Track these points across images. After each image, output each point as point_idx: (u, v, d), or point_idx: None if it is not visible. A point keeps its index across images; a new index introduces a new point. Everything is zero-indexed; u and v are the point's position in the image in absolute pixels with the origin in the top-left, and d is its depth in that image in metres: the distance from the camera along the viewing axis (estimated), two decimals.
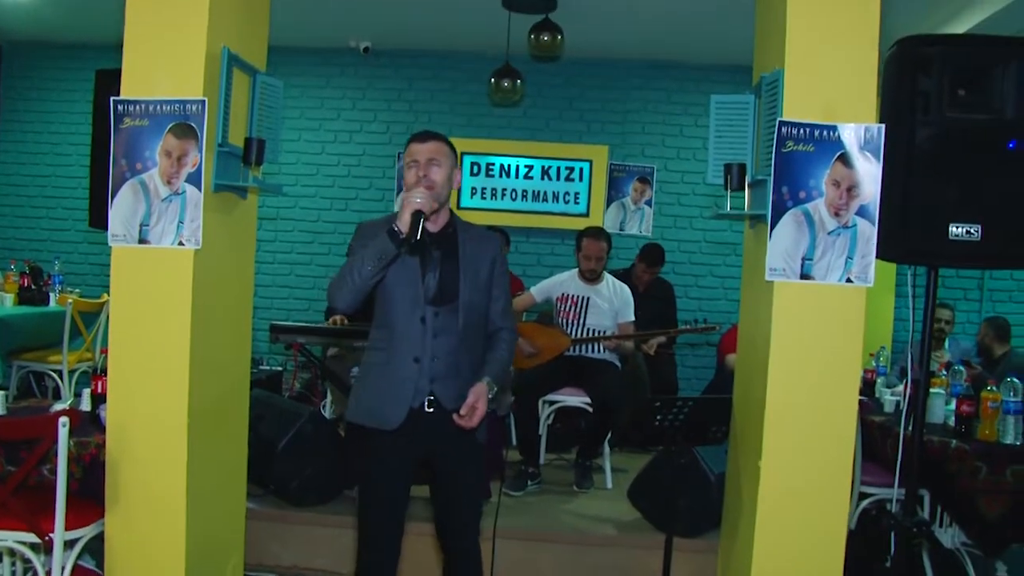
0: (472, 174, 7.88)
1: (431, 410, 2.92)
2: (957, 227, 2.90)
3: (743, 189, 3.33)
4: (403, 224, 2.74)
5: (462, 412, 2.87)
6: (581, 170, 7.82)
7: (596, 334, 5.41)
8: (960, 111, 2.88)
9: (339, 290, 2.87)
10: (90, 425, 3.54)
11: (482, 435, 3.06)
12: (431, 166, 2.88)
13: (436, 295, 2.92)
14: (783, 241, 3.03)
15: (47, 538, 3.11)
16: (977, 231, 2.89)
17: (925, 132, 2.92)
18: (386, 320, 2.96)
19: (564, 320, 5.45)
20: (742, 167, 3.30)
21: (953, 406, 4.31)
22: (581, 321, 5.43)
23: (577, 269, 5.57)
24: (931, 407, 4.21)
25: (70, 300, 5.91)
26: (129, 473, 3.28)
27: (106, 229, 3.30)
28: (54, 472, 3.13)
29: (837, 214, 3.00)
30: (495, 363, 3.03)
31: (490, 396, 2.92)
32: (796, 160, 3.00)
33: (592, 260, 5.45)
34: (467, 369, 2.96)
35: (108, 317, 6.06)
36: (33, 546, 3.20)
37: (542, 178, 7.85)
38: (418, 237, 2.74)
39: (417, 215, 2.74)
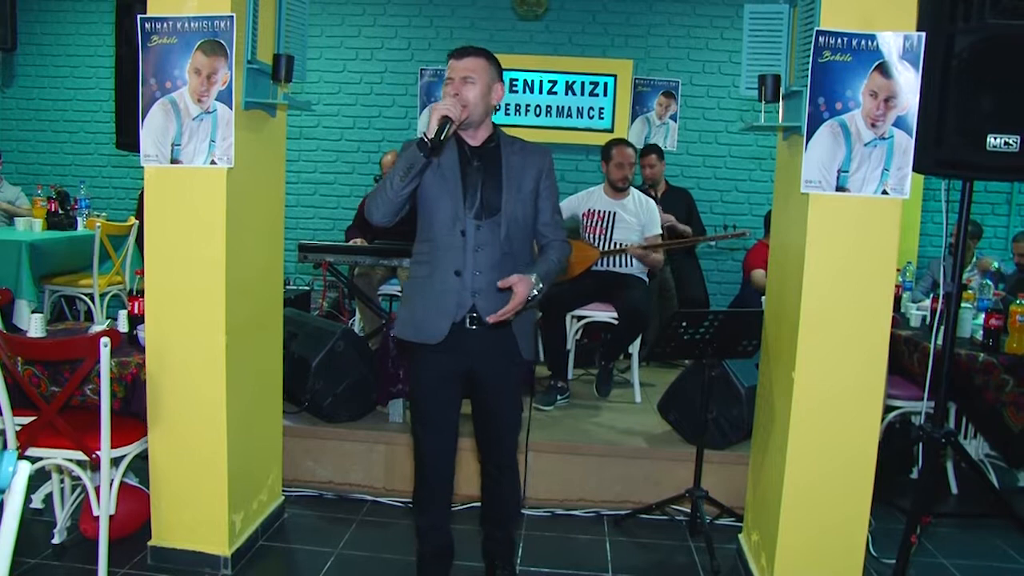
0: None
1: (474, 327, 2.92)
2: (995, 138, 2.85)
3: (777, 101, 3.29)
4: (430, 131, 2.74)
5: (500, 285, 2.82)
6: (605, 85, 7.72)
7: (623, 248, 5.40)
8: (1004, 16, 2.80)
9: (374, 203, 2.88)
10: (129, 345, 3.60)
11: (528, 352, 3.05)
12: (465, 84, 2.86)
13: (477, 208, 2.89)
14: (819, 153, 2.99)
15: (94, 456, 3.20)
16: (1016, 142, 2.85)
17: (965, 40, 2.85)
18: (428, 234, 2.94)
19: (591, 235, 5.44)
20: (776, 78, 3.26)
21: (981, 320, 4.32)
22: (607, 236, 5.41)
23: (603, 184, 5.55)
24: (959, 321, 4.21)
25: (98, 224, 5.96)
26: (170, 391, 3.36)
27: (133, 151, 3.31)
28: (97, 392, 3.21)
29: (874, 125, 2.95)
30: (543, 263, 2.97)
31: (534, 292, 2.84)
32: (833, 70, 2.94)
33: (625, 167, 5.42)
34: None
35: (135, 240, 6.15)
36: (80, 463, 3.29)
37: (566, 93, 7.76)
38: (442, 139, 2.74)
39: (444, 120, 2.74)
